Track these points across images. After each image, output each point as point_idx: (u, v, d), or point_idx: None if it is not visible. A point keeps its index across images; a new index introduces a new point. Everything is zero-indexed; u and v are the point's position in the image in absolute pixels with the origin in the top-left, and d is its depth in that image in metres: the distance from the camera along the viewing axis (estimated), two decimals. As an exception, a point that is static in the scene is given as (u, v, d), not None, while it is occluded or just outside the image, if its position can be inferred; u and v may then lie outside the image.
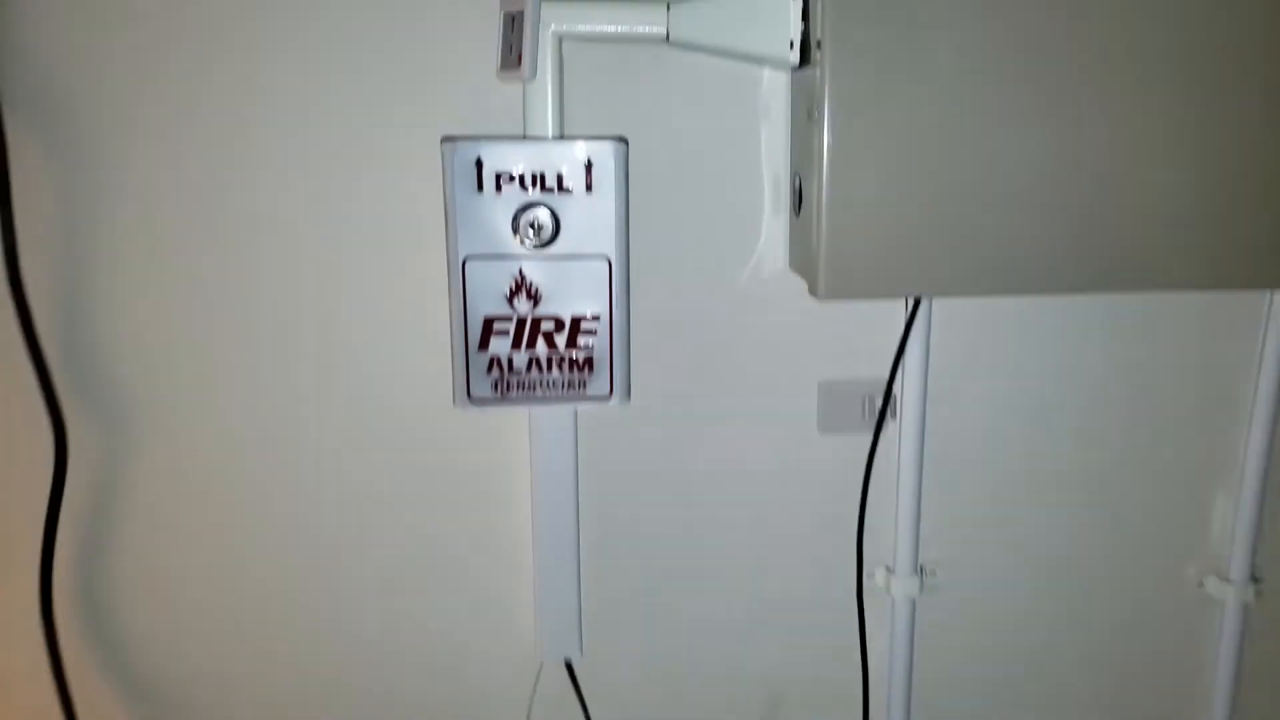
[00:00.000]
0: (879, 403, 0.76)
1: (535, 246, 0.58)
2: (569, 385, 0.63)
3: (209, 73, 0.67)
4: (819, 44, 0.60)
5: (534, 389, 0.63)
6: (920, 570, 0.80)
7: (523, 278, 0.60)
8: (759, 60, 0.64)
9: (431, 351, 0.71)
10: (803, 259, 0.67)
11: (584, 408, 0.65)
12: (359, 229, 0.70)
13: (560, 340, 0.61)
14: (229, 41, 0.66)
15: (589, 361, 0.62)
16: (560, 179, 0.57)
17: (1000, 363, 0.77)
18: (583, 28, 0.62)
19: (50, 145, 0.67)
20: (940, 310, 0.73)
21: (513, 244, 0.59)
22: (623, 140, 0.61)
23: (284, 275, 0.70)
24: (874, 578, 0.81)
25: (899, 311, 0.73)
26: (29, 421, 0.69)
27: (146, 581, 0.75)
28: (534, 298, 0.60)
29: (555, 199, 0.58)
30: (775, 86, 0.70)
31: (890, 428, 0.77)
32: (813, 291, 0.62)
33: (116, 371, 0.71)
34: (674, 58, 0.68)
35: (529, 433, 0.73)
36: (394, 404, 0.74)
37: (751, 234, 0.72)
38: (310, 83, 0.67)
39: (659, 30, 0.62)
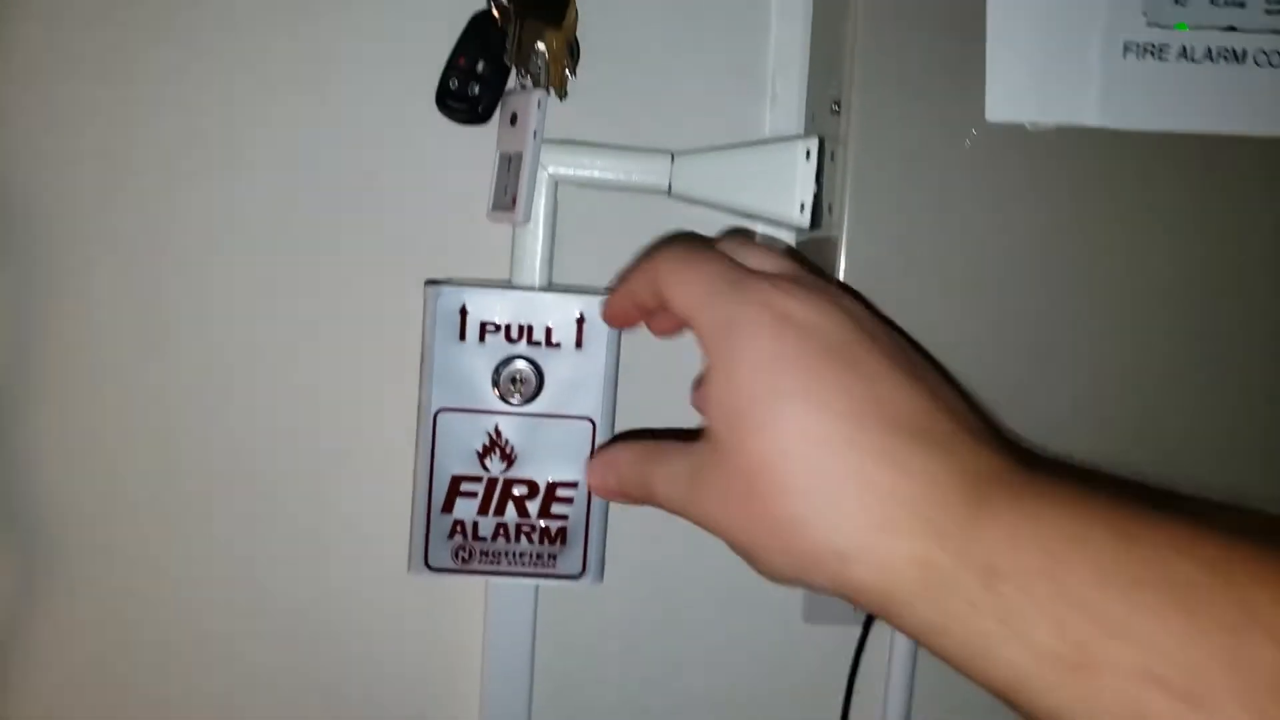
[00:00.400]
0: (871, 593, 0.70)
1: (515, 403, 0.53)
2: (537, 558, 0.56)
3: (179, 194, 0.62)
4: (830, 208, 0.57)
5: (499, 559, 0.56)
6: (908, 783, 0.72)
7: (498, 435, 0.54)
8: (765, 220, 0.61)
9: (386, 508, 0.65)
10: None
11: (551, 585, 0.59)
12: (319, 370, 0.65)
13: (533, 507, 0.55)
14: (204, 160, 0.62)
15: (562, 533, 0.56)
16: (549, 333, 0.53)
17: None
18: (582, 173, 0.59)
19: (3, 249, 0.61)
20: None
21: (491, 398, 0.53)
22: (618, 295, 0.57)
23: (227, 412, 0.64)
24: (854, 787, 0.73)
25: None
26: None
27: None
28: (508, 458, 0.54)
29: (542, 353, 0.53)
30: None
31: (880, 623, 0.70)
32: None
33: (42, 496, 0.64)
34: (673, 208, 0.65)
35: (485, 599, 0.66)
36: (341, 559, 0.67)
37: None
38: (282, 205, 0.63)
39: (661, 182, 0.59)
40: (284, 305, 0.64)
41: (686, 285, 0.37)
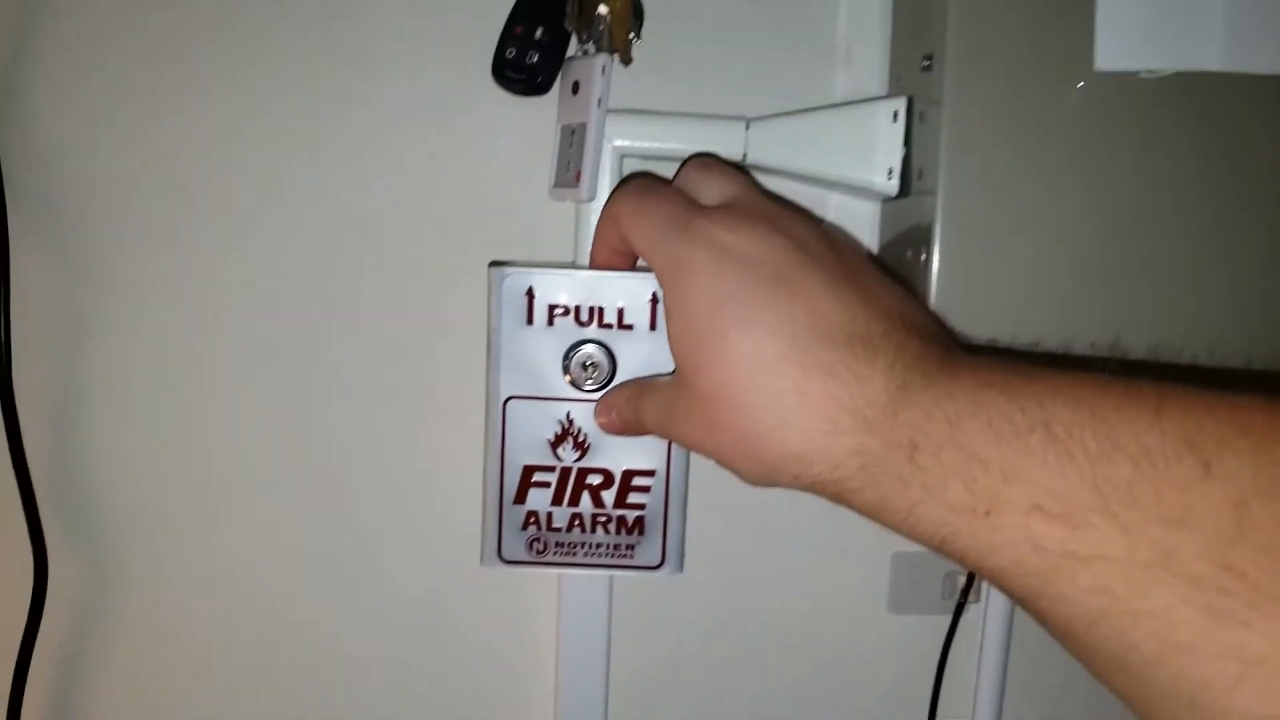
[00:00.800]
0: (962, 581, 0.66)
1: (588, 388, 0.50)
2: (614, 550, 0.53)
3: (232, 179, 0.60)
4: (920, 173, 0.53)
5: (574, 550, 0.53)
6: (1002, 776, 0.69)
7: (570, 423, 0.51)
8: (849, 188, 0.57)
9: (458, 500, 0.63)
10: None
11: (629, 576, 0.56)
12: (383, 360, 0.62)
13: (608, 497, 0.52)
14: (257, 141, 0.60)
15: (639, 523, 0.53)
16: (621, 314, 0.49)
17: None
18: (650, 145, 0.56)
19: (54, 249, 0.60)
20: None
21: (561, 385, 0.50)
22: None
23: (293, 406, 0.63)
24: (945, 780, 0.70)
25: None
26: (7, 549, 0.60)
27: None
28: (582, 447, 0.51)
29: (614, 336, 0.50)
30: (848, 215, 0.62)
31: (971, 611, 0.67)
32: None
33: (106, 500, 0.63)
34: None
35: (558, 590, 0.63)
36: (409, 555, 0.65)
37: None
38: (336, 186, 0.61)
39: (736, 151, 0.55)
40: (342, 293, 0.61)
41: (640, 229, 0.41)
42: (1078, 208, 0.51)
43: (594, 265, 0.49)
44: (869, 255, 0.61)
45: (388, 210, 0.61)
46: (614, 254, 0.46)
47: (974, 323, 0.51)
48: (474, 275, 0.60)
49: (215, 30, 0.59)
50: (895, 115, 0.54)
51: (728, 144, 0.55)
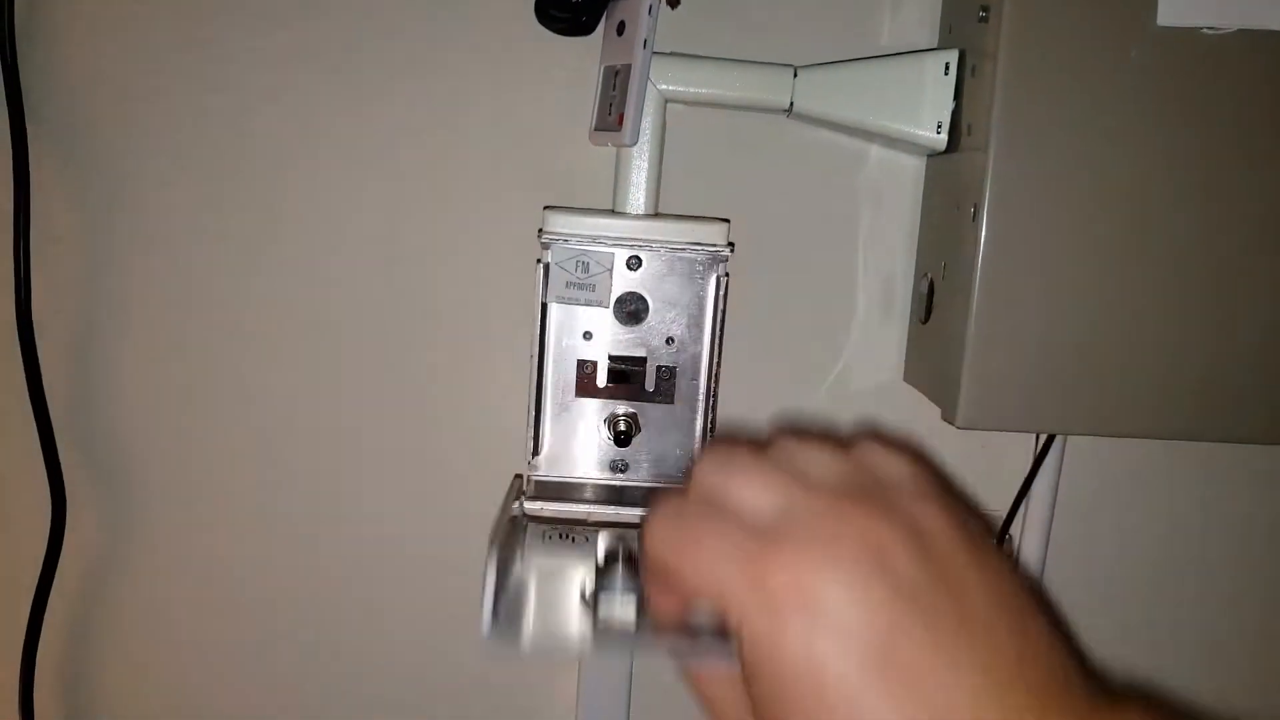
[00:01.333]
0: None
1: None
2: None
3: (263, 115, 0.59)
4: (970, 128, 0.52)
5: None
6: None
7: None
8: (896, 141, 0.56)
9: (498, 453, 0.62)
10: (931, 376, 0.57)
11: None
12: (417, 302, 0.61)
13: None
14: (290, 77, 0.58)
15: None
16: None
17: (1136, 507, 0.67)
18: (696, 90, 0.54)
19: (76, 181, 0.58)
20: (1074, 444, 0.64)
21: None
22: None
23: (322, 349, 0.62)
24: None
25: (1021, 440, 0.64)
26: (25, 487, 0.60)
27: (138, 675, 0.66)
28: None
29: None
30: (888, 170, 0.61)
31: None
32: (947, 417, 0.52)
33: (125, 440, 0.62)
34: (765, 129, 0.60)
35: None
36: (446, 506, 0.64)
37: (859, 340, 0.63)
38: (367, 127, 0.59)
39: (782, 99, 0.54)
40: (374, 234, 0.60)
41: (697, 571, 0.30)
42: (1135, 168, 0.50)
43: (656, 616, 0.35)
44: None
45: (425, 153, 0.60)
46: (677, 601, 0.34)
47: (1023, 283, 0.50)
48: (511, 223, 0.59)
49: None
50: (947, 68, 0.53)
51: (774, 91, 0.54)
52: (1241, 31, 0.48)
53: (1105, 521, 0.67)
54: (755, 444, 0.33)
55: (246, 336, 0.61)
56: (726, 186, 0.61)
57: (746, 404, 0.63)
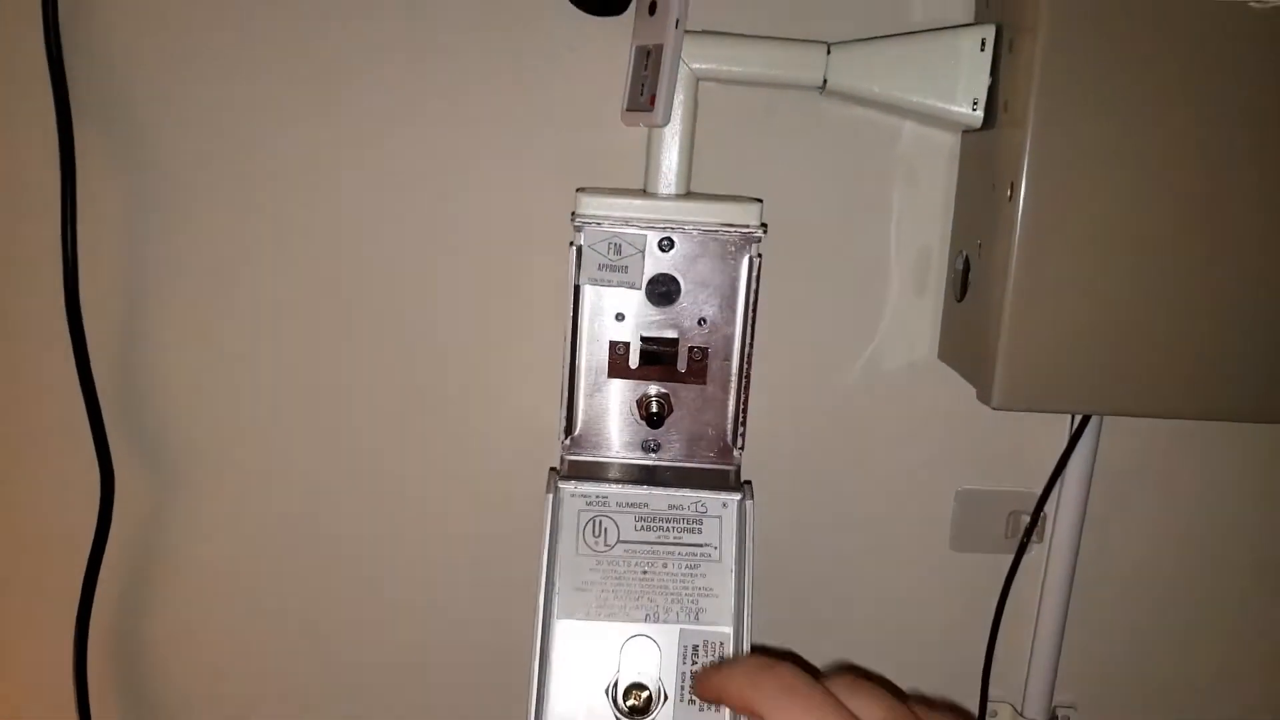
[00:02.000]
0: (1025, 521, 0.65)
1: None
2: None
3: (303, 104, 0.59)
4: (1006, 104, 0.51)
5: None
6: (1054, 714, 0.69)
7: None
8: (930, 118, 0.55)
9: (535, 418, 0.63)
10: (966, 355, 0.57)
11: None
12: (454, 276, 0.62)
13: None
14: (325, 63, 0.59)
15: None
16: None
17: (1171, 487, 0.66)
18: (730, 69, 0.54)
19: (122, 167, 0.59)
20: (1110, 424, 0.63)
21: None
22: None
23: (368, 332, 0.62)
24: (995, 716, 0.70)
25: (1056, 419, 0.63)
26: (74, 467, 0.62)
27: (188, 648, 0.68)
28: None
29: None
30: (922, 146, 0.60)
31: (1034, 551, 0.66)
32: (982, 398, 0.52)
33: (173, 419, 0.64)
34: (797, 107, 0.59)
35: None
36: (487, 473, 0.65)
37: (892, 318, 0.63)
38: (403, 106, 0.60)
39: (815, 77, 0.54)
40: (409, 209, 0.61)
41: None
42: (1177, 146, 0.49)
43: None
44: None
45: (455, 133, 0.60)
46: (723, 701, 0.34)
47: (1060, 264, 0.49)
48: (543, 205, 0.59)
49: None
50: (983, 43, 0.52)
51: (807, 69, 0.54)
52: (1290, 4, 0.47)
53: (1140, 501, 0.67)
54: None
55: (288, 314, 0.62)
56: (759, 165, 0.61)
57: (779, 384, 0.63)
